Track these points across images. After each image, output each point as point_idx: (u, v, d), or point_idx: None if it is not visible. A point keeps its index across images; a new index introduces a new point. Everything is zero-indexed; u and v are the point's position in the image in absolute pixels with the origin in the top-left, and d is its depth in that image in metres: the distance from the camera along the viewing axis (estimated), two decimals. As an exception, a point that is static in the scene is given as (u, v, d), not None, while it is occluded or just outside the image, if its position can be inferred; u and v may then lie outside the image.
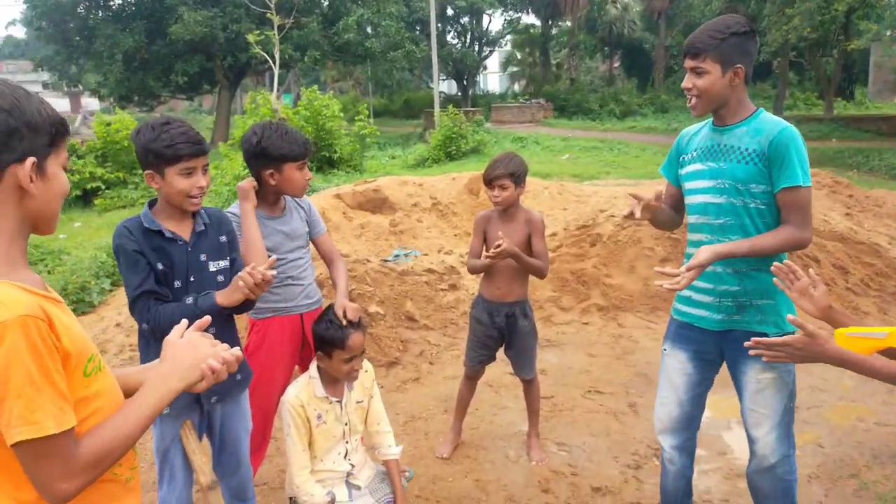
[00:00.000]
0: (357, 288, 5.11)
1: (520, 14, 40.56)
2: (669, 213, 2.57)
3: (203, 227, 2.25)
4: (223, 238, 2.32)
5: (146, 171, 2.14)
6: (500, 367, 3.98)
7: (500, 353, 3.50)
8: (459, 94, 40.32)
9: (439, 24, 33.51)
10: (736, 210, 2.26)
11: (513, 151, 3.38)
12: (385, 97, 42.06)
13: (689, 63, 2.24)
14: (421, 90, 42.82)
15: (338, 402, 2.49)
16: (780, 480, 2.37)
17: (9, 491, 1.15)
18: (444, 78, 41.06)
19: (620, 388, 4.35)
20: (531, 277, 3.35)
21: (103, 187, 14.59)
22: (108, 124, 15.31)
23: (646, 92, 34.04)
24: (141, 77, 26.68)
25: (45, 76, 35.59)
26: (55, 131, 1.22)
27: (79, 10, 26.31)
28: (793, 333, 1.89)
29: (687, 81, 2.27)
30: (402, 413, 4.04)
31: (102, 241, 8.11)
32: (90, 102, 41.09)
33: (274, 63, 14.73)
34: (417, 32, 33.92)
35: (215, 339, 1.42)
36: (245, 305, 2.29)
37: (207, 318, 1.46)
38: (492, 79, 57.23)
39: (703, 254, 2.15)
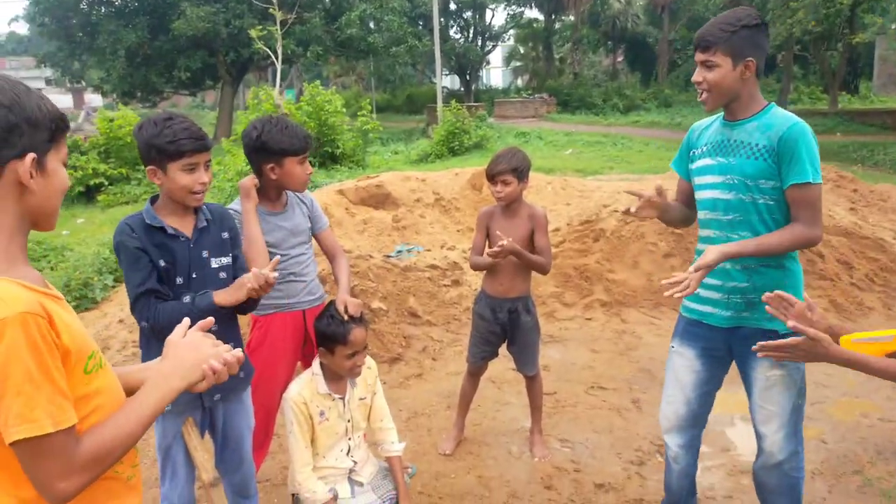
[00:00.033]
0: (360, 284, 5.11)
1: (523, 8, 40.39)
2: (681, 210, 2.54)
3: (205, 224, 2.24)
4: (225, 234, 2.31)
5: (148, 167, 2.13)
6: (502, 363, 3.98)
7: (503, 349, 3.49)
8: (462, 89, 40.22)
9: (442, 19, 33.41)
10: (745, 206, 2.23)
11: (516, 146, 3.37)
12: (388, 92, 41.95)
13: (699, 56, 2.21)
14: (424, 85, 42.72)
15: (340, 398, 2.48)
16: (787, 477, 2.36)
17: (9, 489, 1.15)
18: (447, 73, 40.94)
19: (623, 384, 4.34)
20: (534, 273, 3.34)
21: (106, 183, 14.62)
22: (111, 120, 15.32)
23: (649, 86, 33.92)
24: (143, 73, 26.69)
25: (48, 72, 35.59)
26: (55, 127, 1.22)
27: (81, 6, 26.32)
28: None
29: (697, 75, 2.23)
30: (404, 409, 4.03)
31: (105, 237, 8.13)
32: (93, 99, 41.11)
33: (276, 58, 14.70)
34: (420, 27, 33.82)
35: (218, 337, 1.42)
36: (249, 305, 2.29)
37: (210, 319, 1.46)
38: (495, 74, 57.05)
39: (709, 254, 2.13)
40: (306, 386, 2.45)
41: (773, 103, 2.27)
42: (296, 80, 36.27)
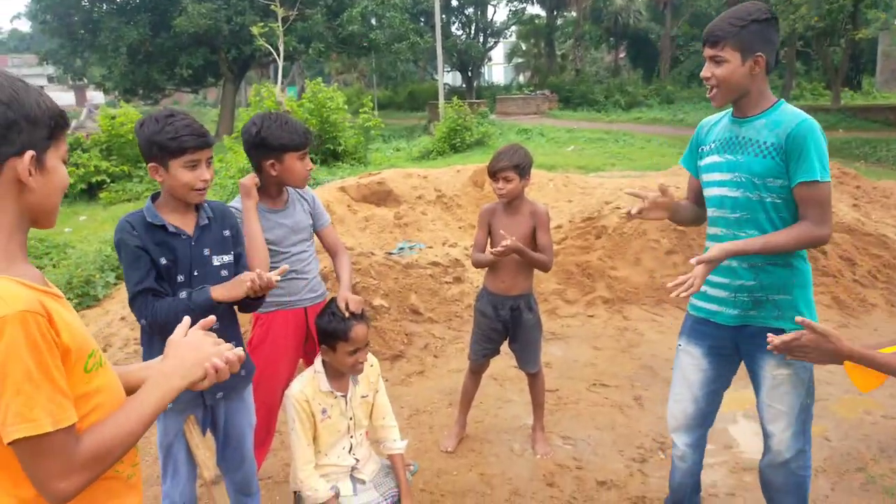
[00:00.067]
0: (361, 281, 5.10)
1: (525, 4, 40.38)
2: (692, 209, 2.52)
3: (207, 221, 2.24)
4: (227, 232, 2.30)
5: (150, 164, 2.12)
6: (504, 361, 3.97)
7: (505, 346, 3.49)
8: (464, 85, 40.19)
9: (444, 16, 33.35)
10: (752, 204, 2.21)
11: (517, 143, 3.36)
12: (389, 89, 41.94)
13: (707, 52, 2.18)
14: (425, 82, 42.68)
15: (343, 396, 2.48)
16: (794, 475, 2.35)
17: (8, 489, 1.14)
18: (449, 69, 40.93)
19: (626, 381, 4.33)
20: (536, 270, 3.34)
21: (108, 181, 14.64)
22: (113, 118, 15.35)
23: (651, 83, 33.83)
24: (145, 70, 26.72)
25: (49, 70, 35.61)
26: (54, 124, 1.20)
27: (83, 4, 26.36)
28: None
29: (706, 70, 2.20)
30: (406, 406, 4.03)
31: (107, 234, 8.13)
32: (95, 96, 41.11)
33: (278, 55, 14.70)
34: (422, 24, 33.80)
35: (218, 335, 1.41)
36: (253, 304, 2.29)
37: (212, 318, 1.45)
38: (496, 70, 56.99)
39: (714, 251, 2.11)
40: (308, 383, 2.45)
41: (783, 100, 2.24)
42: (297, 77, 36.27)
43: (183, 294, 2.12)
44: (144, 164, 2.24)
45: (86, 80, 31.81)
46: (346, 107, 14.64)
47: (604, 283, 5.81)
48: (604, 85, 32.87)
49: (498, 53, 49.76)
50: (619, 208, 6.40)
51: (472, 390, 3.59)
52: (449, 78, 43.26)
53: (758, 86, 2.19)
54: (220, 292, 2.13)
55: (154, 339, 2.15)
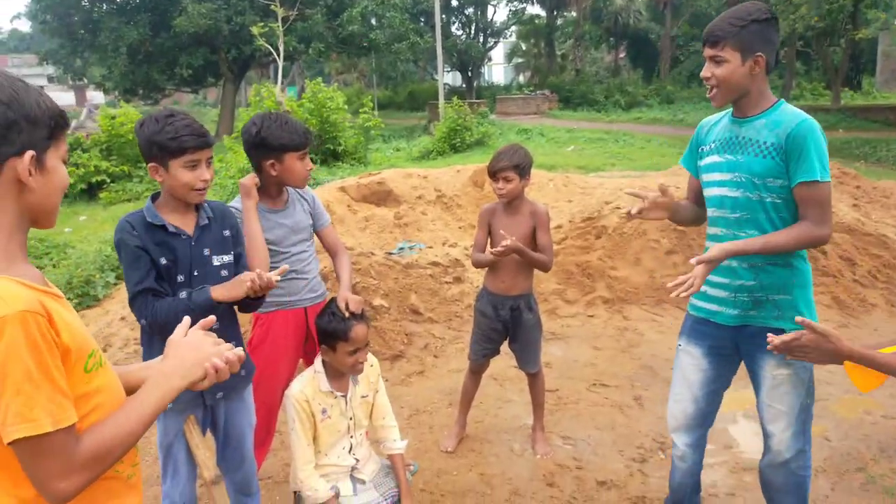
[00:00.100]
0: (361, 281, 5.10)
1: (525, 4, 40.38)
2: (692, 209, 2.52)
3: (207, 221, 2.24)
4: (227, 232, 2.30)
5: (150, 164, 2.12)
6: (504, 361, 3.97)
7: (505, 346, 3.49)
8: (464, 85, 40.19)
9: (444, 16, 33.36)
10: (752, 204, 2.21)
11: (517, 143, 3.36)
12: (389, 89, 41.93)
13: (707, 51, 2.18)
14: (425, 82, 42.68)
15: (343, 396, 2.48)
16: (794, 475, 2.35)
17: (8, 488, 1.14)
18: (449, 69, 40.93)
19: (626, 381, 4.33)
20: (536, 270, 3.34)
21: (108, 181, 14.64)
22: (113, 118, 15.35)
23: (651, 83, 33.84)
24: (145, 70, 26.72)
25: (50, 70, 35.62)
26: (54, 124, 1.20)
27: (83, 4, 26.37)
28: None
29: (706, 70, 2.20)
30: (406, 406, 4.03)
31: (107, 234, 8.13)
32: (95, 96, 41.12)
33: (278, 55, 14.70)
34: (422, 24, 33.80)
35: (218, 335, 1.41)
36: (253, 304, 2.28)
37: (212, 318, 1.45)
38: (496, 70, 56.99)
39: (714, 251, 2.11)
40: (308, 383, 2.45)
41: (783, 100, 2.24)
42: (297, 77, 36.27)
43: (183, 294, 2.12)
44: (144, 164, 2.24)
45: (86, 80, 31.82)
46: (346, 107, 14.64)
47: (604, 283, 5.81)
48: (604, 85, 32.87)
49: (498, 53, 49.78)
50: (619, 208, 6.40)
51: (472, 390, 3.59)
52: (449, 78, 43.26)
53: (758, 86, 2.20)
54: (220, 292, 2.13)
55: (154, 339, 2.15)
